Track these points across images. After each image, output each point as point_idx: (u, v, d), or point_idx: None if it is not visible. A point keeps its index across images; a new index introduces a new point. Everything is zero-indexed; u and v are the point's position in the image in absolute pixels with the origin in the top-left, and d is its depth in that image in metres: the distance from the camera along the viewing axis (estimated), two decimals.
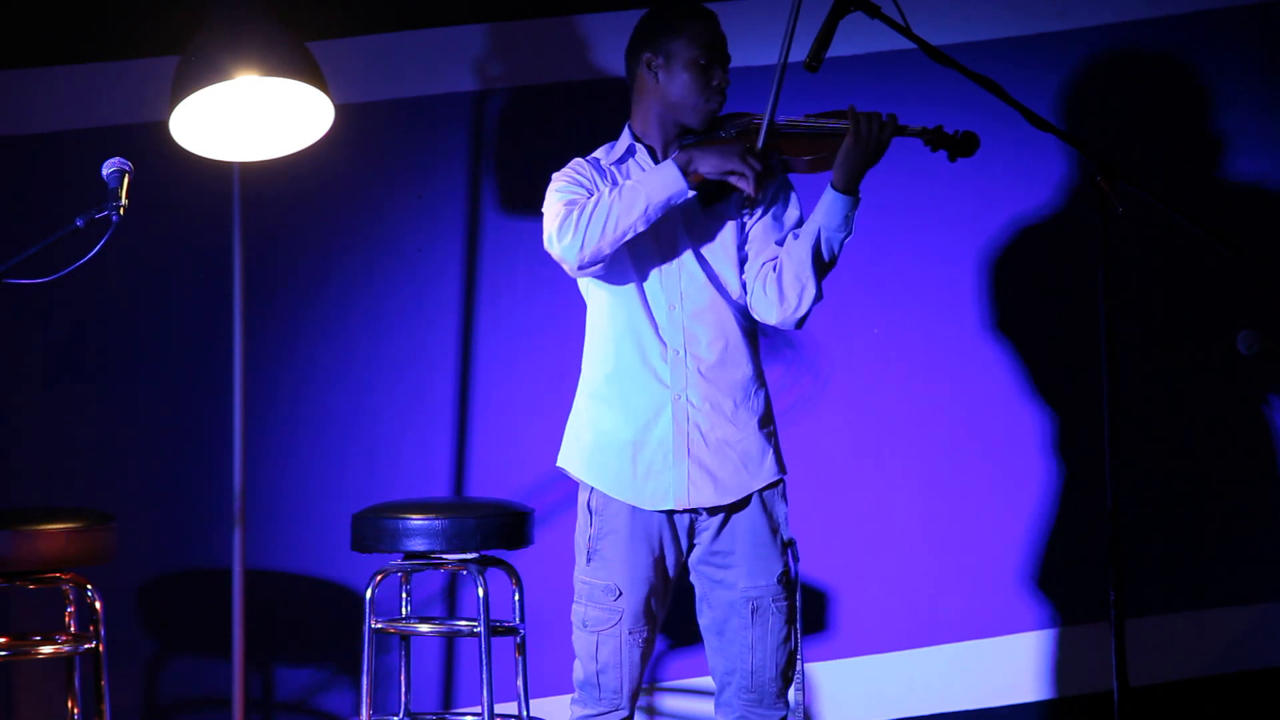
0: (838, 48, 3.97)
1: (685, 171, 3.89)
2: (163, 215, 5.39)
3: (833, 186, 3.93)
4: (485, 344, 5.51)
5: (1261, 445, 5.50)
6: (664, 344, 3.99)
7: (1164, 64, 5.53)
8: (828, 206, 3.94)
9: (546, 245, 3.94)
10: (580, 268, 3.92)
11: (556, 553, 5.24)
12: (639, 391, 4.00)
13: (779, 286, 3.97)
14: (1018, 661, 5.49)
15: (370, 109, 5.52)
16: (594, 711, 4.03)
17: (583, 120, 5.46)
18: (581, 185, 4.01)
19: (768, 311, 4.00)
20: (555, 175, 4.08)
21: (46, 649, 4.88)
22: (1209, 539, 5.51)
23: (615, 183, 4.02)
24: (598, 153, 4.12)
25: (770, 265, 4.00)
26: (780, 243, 4.03)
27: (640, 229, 3.89)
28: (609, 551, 4.00)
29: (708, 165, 3.91)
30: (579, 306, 4.11)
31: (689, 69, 3.99)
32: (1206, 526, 5.51)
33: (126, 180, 3.96)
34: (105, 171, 3.98)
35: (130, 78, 5.46)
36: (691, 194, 3.93)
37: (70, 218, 3.90)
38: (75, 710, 4.96)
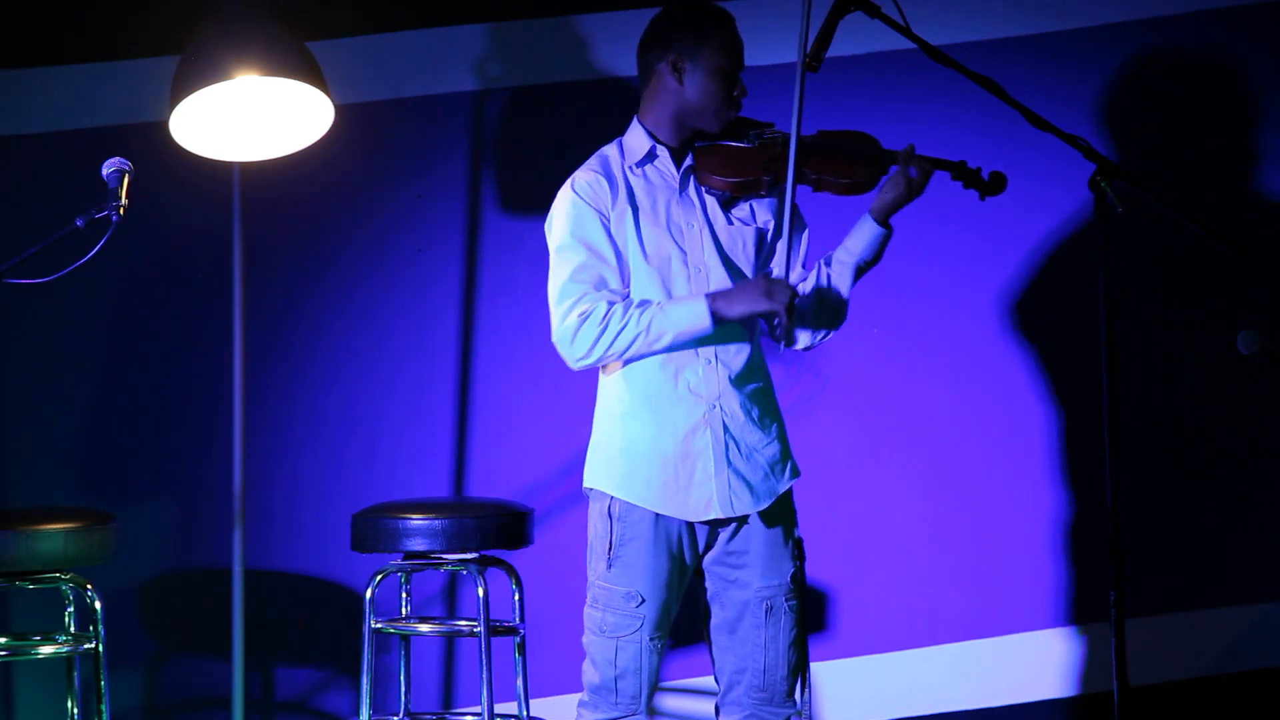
0: (838, 47, 3.97)
1: (714, 314, 3.89)
2: (163, 215, 5.39)
3: (874, 220, 4.00)
4: (485, 344, 5.51)
5: (1261, 444, 5.50)
6: (697, 355, 3.98)
7: (1164, 64, 5.52)
8: (868, 241, 4.02)
9: (554, 332, 3.95)
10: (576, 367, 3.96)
11: (556, 553, 5.25)
12: (676, 404, 3.97)
13: (814, 316, 4.07)
14: (1018, 661, 5.48)
15: (370, 109, 5.52)
16: (609, 716, 4.00)
17: (582, 120, 5.46)
18: (592, 255, 3.95)
19: (799, 338, 4.10)
20: (559, 212, 4.01)
21: (46, 649, 4.88)
22: (1209, 539, 5.50)
23: (630, 191, 3.98)
24: (609, 151, 4.06)
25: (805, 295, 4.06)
26: (804, 265, 4.08)
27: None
28: (632, 558, 3.96)
29: (737, 310, 3.90)
30: None
31: (713, 76, 3.97)
32: (1206, 526, 5.50)
33: (126, 180, 3.96)
34: (105, 171, 3.97)
35: (130, 78, 5.46)
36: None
37: (70, 218, 3.89)
38: (75, 710, 4.96)
